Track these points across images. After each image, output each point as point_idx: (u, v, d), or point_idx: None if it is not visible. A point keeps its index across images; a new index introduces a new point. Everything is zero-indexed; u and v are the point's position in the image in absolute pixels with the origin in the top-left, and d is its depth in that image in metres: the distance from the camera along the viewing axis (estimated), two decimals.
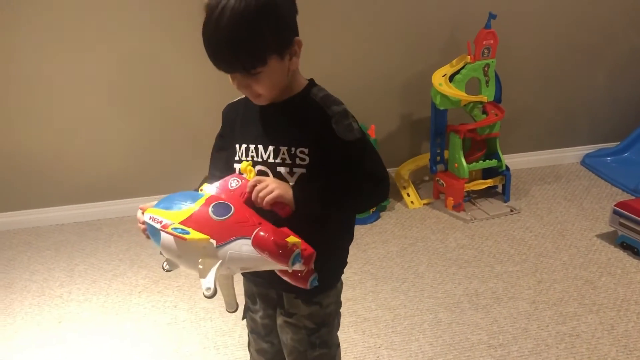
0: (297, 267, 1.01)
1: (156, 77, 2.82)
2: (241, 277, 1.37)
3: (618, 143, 3.30)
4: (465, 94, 2.70)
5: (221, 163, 1.26)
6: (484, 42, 2.67)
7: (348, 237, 1.31)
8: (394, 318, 2.13)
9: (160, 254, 1.11)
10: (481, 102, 2.77)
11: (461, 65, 2.72)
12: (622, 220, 2.43)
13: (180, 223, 1.03)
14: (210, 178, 1.23)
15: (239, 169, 1.16)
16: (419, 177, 3.21)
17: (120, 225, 2.89)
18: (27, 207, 2.94)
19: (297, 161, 1.14)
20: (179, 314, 2.22)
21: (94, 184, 2.94)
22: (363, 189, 1.15)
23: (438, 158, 2.94)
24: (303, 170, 1.14)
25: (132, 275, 2.49)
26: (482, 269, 2.40)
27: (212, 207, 1.04)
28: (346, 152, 1.13)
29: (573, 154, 3.35)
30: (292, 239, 1.00)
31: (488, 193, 2.98)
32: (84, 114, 2.83)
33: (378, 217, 2.84)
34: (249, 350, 1.48)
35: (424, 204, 2.97)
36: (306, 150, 1.13)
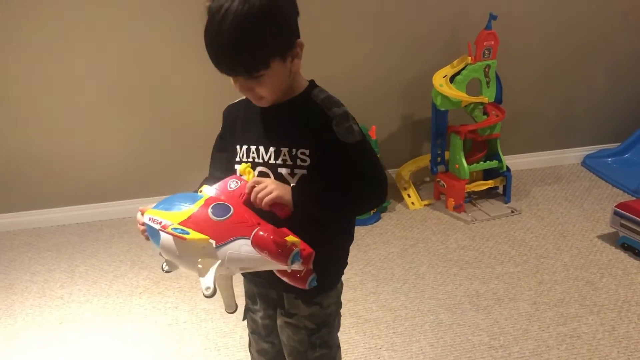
0: (296, 266, 1.01)
1: (157, 78, 2.82)
2: (241, 278, 1.38)
3: (619, 144, 3.30)
4: (466, 95, 2.70)
5: (222, 164, 1.26)
6: (484, 43, 2.67)
7: (348, 237, 1.31)
8: (394, 319, 2.13)
9: (160, 255, 1.11)
10: (482, 103, 2.77)
11: (462, 66, 2.72)
12: (622, 222, 2.43)
13: (180, 224, 1.04)
14: (211, 179, 1.23)
15: (239, 170, 1.16)
16: (420, 178, 3.21)
17: (121, 227, 2.89)
18: (28, 208, 2.94)
19: (298, 162, 1.14)
20: (179, 315, 2.22)
21: (94, 185, 2.94)
22: (361, 192, 1.16)
23: (439, 159, 2.94)
24: (304, 171, 1.14)
25: (133, 276, 2.49)
26: (483, 270, 2.40)
27: (212, 208, 1.05)
28: (346, 154, 1.13)
29: (574, 155, 3.35)
30: (291, 238, 1.01)
31: (489, 194, 2.98)
32: (86, 115, 2.84)
33: (379, 218, 2.84)
34: (250, 351, 1.48)
35: (425, 205, 2.97)
36: (307, 152, 1.14)
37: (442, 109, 2.77)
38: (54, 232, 2.89)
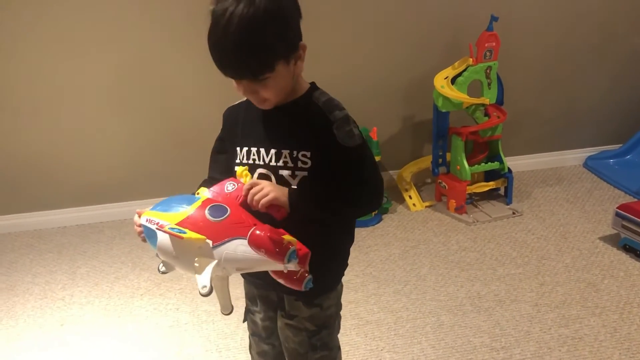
0: (292, 266, 1.02)
1: (158, 81, 2.82)
2: (241, 280, 1.38)
3: (620, 145, 3.30)
4: (467, 97, 2.70)
5: (221, 166, 1.27)
6: (486, 45, 2.66)
7: (349, 239, 1.31)
8: (396, 321, 2.13)
9: (157, 256, 1.12)
10: (483, 105, 2.77)
11: (463, 67, 2.72)
12: (624, 223, 2.43)
13: (177, 224, 1.04)
14: (210, 181, 1.24)
15: (236, 174, 1.17)
16: (421, 180, 3.21)
17: (122, 228, 2.89)
18: (29, 209, 2.94)
19: (299, 164, 1.14)
20: (181, 317, 2.22)
21: (96, 187, 2.95)
22: (357, 196, 1.16)
23: (440, 160, 2.94)
24: (305, 173, 1.15)
25: (134, 277, 2.49)
26: (485, 271, 2.40)
27: (209, 209, 1.06)
28: (345, 158, 1.14)
29: (575, 156, 3.35)
30: (288, 237, 1.01)
31: (490, 195, 2.98)
32: (87, 117, 2.84)
33: (380, 220, 2.84)
34: (250, 353, 1.48)
35: (426, 207, 2.97)
36: (308, 154, 1.14)
37: (444, 111, 2.77)
38: (55, 234, 2.89)
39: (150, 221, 1.08)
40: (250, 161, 1.19)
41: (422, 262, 2.49)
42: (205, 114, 2.50)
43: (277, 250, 0.99)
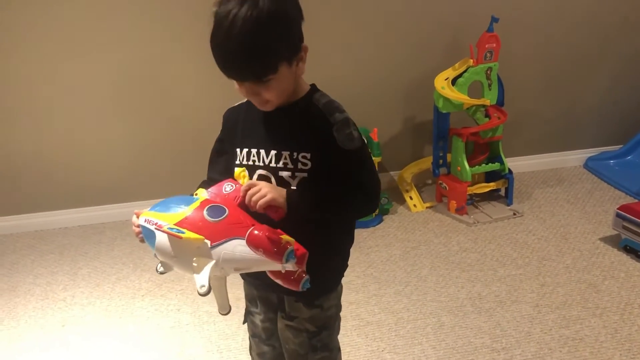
0: (290, 266, 1.02)
1: (159, 81, 2.82)
2: (241, 281, 1.38)
3: (621, 146, 3.30)
4: (468, 97, 2.70)
5: (220, 167, 1.27)
6: (486, 46, 2.67)
7: (348, 239, 1.32)
8: (397, 321, 2.13)
9: (155, 256, 1.12)
10: (484, 106, 2.77)
11: (464, 68, 2.72)
12: (625, 224, 2.43)
13: (176, 224, 1.05)
14: (208, 181, 1.24)
15: (234, 175, 1.18)
16: (422, 181, 3.21)
17: (123, 229, 2.89)
18: (31, 210, 2.95)
19: (300, 166, 1.15)
20: (182, 318, 2.22)
21: (97, 188, 2.95)
22: (354, 199, 1.17)
23: (441, 161, 2.94)
24: (305, 174, 1.15)
25: (135, 278, 2.50)
26: (485, 272, 2.40)
27: (207, 209, 1.07)
28: (345, 161, 1.14)
29: (576, 157, 3.35)
30: (286, 237, 1.02)
31: (491, 196, 2.98)
32: (88, 118, 2.84)
33: (381, 221, 2.84)
34: (251, 354, 1.48)
35: (427, 207, 2.97)
36: (308, 155, 1.14)
37: (444, 112, 2.77)
38: (56, 235, 2.90)
39: (148, 221, 1.09)
40: (250, 162, 1.19)
41: (423, 263, 2.49)
42: (207, 114, 2.50)
43: (275, 250, 1.00)
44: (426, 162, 3.06)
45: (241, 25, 1.02)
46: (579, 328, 2.05)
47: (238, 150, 1.22)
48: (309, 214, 1.14)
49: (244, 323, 1.44)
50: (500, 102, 2.82)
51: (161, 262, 1.13)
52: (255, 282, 1.33)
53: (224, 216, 1.05)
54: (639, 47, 3.21)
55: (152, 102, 2.85)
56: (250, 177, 1.18)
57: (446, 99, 2.69)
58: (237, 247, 1.02)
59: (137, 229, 1.14)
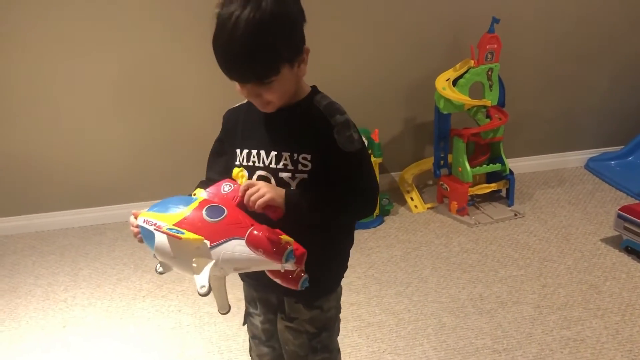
0: (289, 266, 1.02)
1: (160, 81, 2.82)
2: (241, 283, 1.38)
3: (622, 147, 3.29)
4: (469, 98, 2.70)
5: (219, 167, 1.27)
6: (487, 47, 2.67)
7: (348, 240, 1.32)
8: (397, 322, 2.13)
9: (154, 256, 1.12)
10: (485, 106, 2.77)
11: (465, 69, 2.72)
12: (626, 225, 2.43)
13: (175, 225, 1.05)
14: (207, 182, 1.24)
15: (232, 175, 1.18)
16: (423, 181, 3.21)
17: (124, 230, 2.89)
18: (32, 211, 2.95)
19: (300, 167, 1.15)
20: (183, 319, 2.22)
21: (98, 188, 2.95)
22: (353, 201, 1.17)
23: (442, 162, 2.94)
24: (305, 175, 1.15)
25: (136, 279, 2.50)
26: (486, 273, 2.40)
27: (206, 209, 1.07)
28: (344, 163, 1.14)
29: (577, 158, 3.35)
30: (285, 237, 1.02)
31: (492, 197, 2.98)
32: (89, 118, 2.85)
33: (382, 222, 2.84)
34: (250, 355, 1.48)
35: (428, 208, 2.97)
36: (309, 157, 1.14)
37: (445, 112, 2.77)
38: (57, 236, 2.90)
39: (147, 222, 1.09)
40: (250, 163, 1.19)
41: (424, 263, 2.49)
42: (208, 115, 2.49)
43: (275, 250, 1.00)
44: (427, 163, 3.06)
45: (244, 27, 1.02)
46: (580, 329, 2.04)
47: (238, 151, 1.22)
48: (307, 214, 1.13)
49: (243, 324, 1.44)
50: (501, 103, 2.82)
51: (160, 262, 1.13)
52: (255, 284, 1.33)
53: (223, 216, 1.05)
54: (639, 47, 3.21)
55: (153, 102, 2.86)
56: (250, 178, 1.18)
57: (447, 100, 2.69)
58: (237, 247, 1.02)
59: (136, 230, 1.14)
